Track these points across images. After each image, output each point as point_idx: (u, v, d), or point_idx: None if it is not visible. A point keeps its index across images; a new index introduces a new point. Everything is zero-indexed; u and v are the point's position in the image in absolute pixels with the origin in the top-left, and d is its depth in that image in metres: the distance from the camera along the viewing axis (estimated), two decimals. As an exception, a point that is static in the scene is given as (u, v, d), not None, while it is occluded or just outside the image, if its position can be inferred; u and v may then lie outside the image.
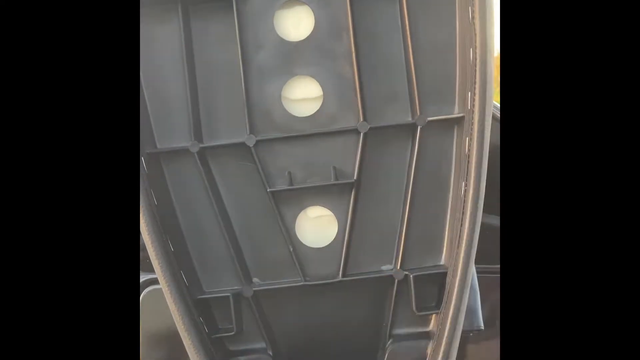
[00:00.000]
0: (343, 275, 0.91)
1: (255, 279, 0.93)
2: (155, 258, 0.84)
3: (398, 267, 0.91)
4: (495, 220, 0.98)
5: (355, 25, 0.87)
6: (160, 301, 0.86)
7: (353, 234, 0.92)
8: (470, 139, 0.81)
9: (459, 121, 0.87)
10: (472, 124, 0.80)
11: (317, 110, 0.89)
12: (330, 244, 0.92)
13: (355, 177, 0.89)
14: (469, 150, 0.82)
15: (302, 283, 0.91)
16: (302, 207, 0.92)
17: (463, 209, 0.82)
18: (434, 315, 0.92)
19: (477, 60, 0.79)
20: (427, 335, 0.92)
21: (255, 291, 0.92)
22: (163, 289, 0.85)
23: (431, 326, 0.93)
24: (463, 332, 0.84)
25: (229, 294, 0.91)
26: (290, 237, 0.92)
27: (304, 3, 0.88)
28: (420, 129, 0.87)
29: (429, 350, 0.91)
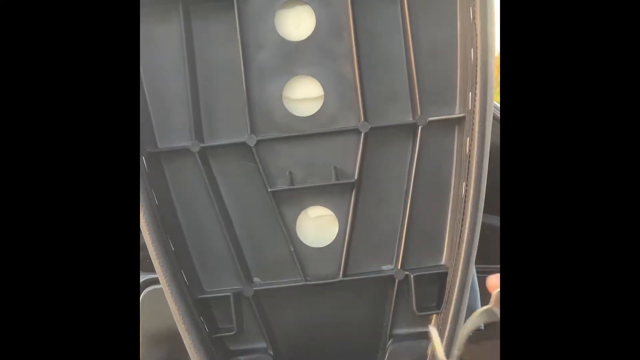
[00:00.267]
0: (344, 275, 0.92)
1: (255, 279, 0.93)
2: (155, 258, 0.84)
3: (399, 267, 0.91)
4: (496, 221, 0.98)
5: (356, 25, 0.87)
6: (160, 301, 0.86)
7: (354, 234, 0.92)
8: (471, 139, 0.81)
9: (459, 121, 0.87)
10: (473, 124, 0.80)
11: (318, 110, 0.89)
12: (330, 243, 0.92)
13: (356, 177, 0.89)
14: (469, 150, 0.82)
15: (302, 283, 0.91)
16: (303, 207, 0.92)
17: (464, 209, 0.83)
18: (434, 316, 0.92)
19: (478, 61, 0.79)
20: (427, 336, 0.92)
21: (255, 291, 0.92)
22: (163, 289, 0.85)
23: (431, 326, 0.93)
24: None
25: (229, 294, 0.91)
26: (290, 236, 0.92)
27: (304, 3, 0.88)
28: (421, 129, 0.87)
29: (429, 351, 0.91)
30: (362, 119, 0.88)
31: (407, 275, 0.90)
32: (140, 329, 0.99)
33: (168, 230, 0.87)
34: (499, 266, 0.54)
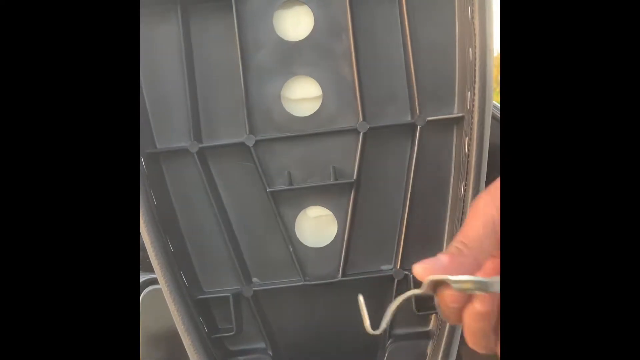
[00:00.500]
0: (343, 275, 0.92)
1: (254, 279, 0.93)
2: (154, 258, 0.84)
3: (398, 267, 0.91)
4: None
5: (354, 25, 0.87)
6: (160, 301, 0.86)
7: (353, 234, 0.92)
8: (470, 139, 0.81)
9: (458, 121, 0.87)
10: (472, 123, 0.80)
11: (317, 110, 0.89)
12: (329, 243, 0.92)
13: (354, 177, 0.89)
14: (468, 150, 0.82)
15: (301, 283, 0.91)
16: (302, 207, 0.92)
17: (463, 208, 0.83)
18: (433, 315, 0.92)
19: (477, 60, 0.79)
20: (427, 335, 0.93)
21: (254, 291, 0.92)
22: (162, 290, 0.85)
23: (431, 326, 0.93)
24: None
25: (228, 294, 0.91)
26: (289, 237, 0.92)
27: (303, 3, 0.88)
28: (420, 128, 0.87)
29: (428, 350, 0.91)
30: (361, 119, 0.88)
31: (406, 274, 0.90)
32: (140, 329, 0.99)
33: (167, 231, 0.87)
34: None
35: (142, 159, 0.86)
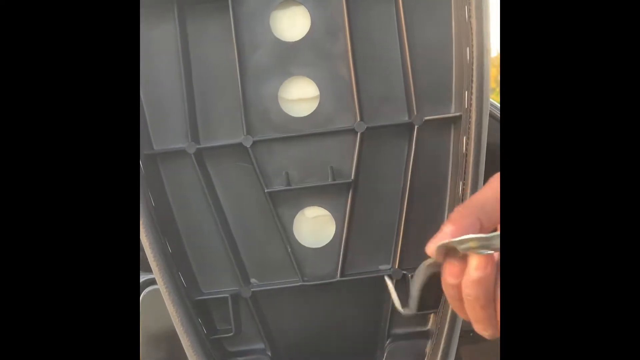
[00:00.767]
0: (341, 275, 0.91)
1: (253, 280, 0.93)
2: (153, 260, 0.84)
3: (396, 267, 0.91)
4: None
5: (351, 25, 0.87)
6: (160, 301, 0.86)
7: (351, 234, 0.92)
8: (468, 138, 0.81)
9: (455, 120, 0.87)
10: (470, 123, 0.80)
11: (314, 111, 0.89)
12: (328, 244, 0.92)
13: (352, 177, 0.89)
14: (466, 149, 0.82)
15: (300, 283, 0.91)
16: (300, 208, 0.92)
17: (461, 208, 0.83)
18: (432, 315, 0.92)
19: (474, 59, 0.79)
20: (425, 335, 0.93)
21: (253, 292, 0.92)
22: (161, 291, 0.85)
23: (430, 325, 0.93)
24: (463, 331, 0.84)
25: (227, 295, 0.91)
26: (287, 237, 0.92)
27: (299, 3, 0.88)
28: (417, 128, 0.87)
29: (427, 350, 0.91)
30: (358, 119, 0.87)
31: (404, 274, 0.90)
32: (140, 329, 0.99)
33: (165, 232, 0.87)
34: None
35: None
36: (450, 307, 0.83)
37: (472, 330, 0.59)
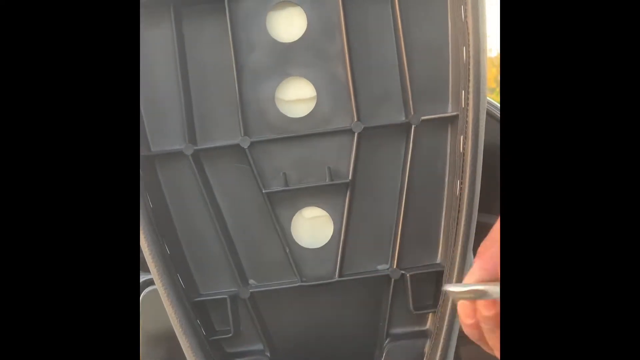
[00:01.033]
0: (339, 276, 0.92)
1: (251, 281, 0.93)
2: (151, 261, 0.84)
3: (394, 267, 0.91)
4: (495, 221, 0.98)
5: (347, 25, 0.87)
6: (159, 301, 0.86)
7: (349, 234, 0.92)
8: (465, 137, 0.81)
9: (452, 120, 0.87)
10: (467, 122, 0.81)
11: (311, 111, 0.89)
12: (326, 244, 0.92)
13: (350, 177, 0.89)
14: (463, 148, 0.82)
15: (298, 284, 0.91)
16: (298, 208, 0.92)
17: (459, 207, 0.83)
18: (431, 314, 0.92)
19: (470, 59, 0.79)
20: (424, 334, 0.93)
21: (251, 293, 0.92)
22: (160, 292, 0.85)
23: (428, 325, 0.93)
24: (462, 331, 0.84)
25: (225, 296, 0.90)
26: (286, 238, 0.92)
27: (296, 4, 0.88)
28: (415, 128, 0.87)
29: (426, 349, 0.91)
30: (356, 119, 0.88)
31: (403, 274, 0.90)
32: (140, 329, 0.99)
33: (163, 234, 0.87)
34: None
35: (137, 162, 0.85)
36: (449, 306, 0.83)
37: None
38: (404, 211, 0.90)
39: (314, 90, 0.89)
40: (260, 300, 0.93)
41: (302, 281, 0.91)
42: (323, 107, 0.89)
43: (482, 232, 0.81)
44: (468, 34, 0.79)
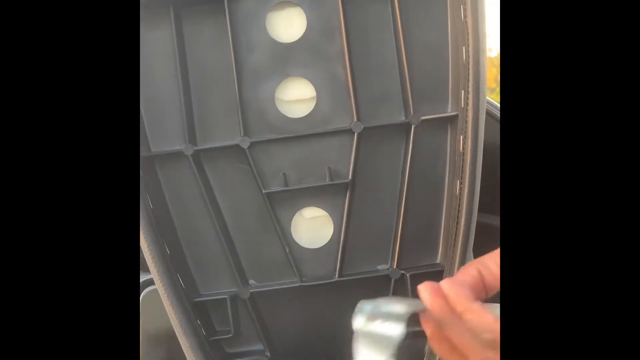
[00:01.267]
0: (339, 276, 0.92)
1: (251, 281, 0.93)
2: (152, 262, 0.84)
3: (394, 267, 0.91)
4: (495, 221, 0.98)
5: (347, 25, 0.87)
6: (159, 301, 0.86)
7: (349, 234, 0.92)
8: (465, 137, 0.81)
9: (452, 119, 0.87)
10: (467, 122, 0.81)
11: (311, 111, 0.89)
12: (326, 244, 0.93)
13: (350, 177, 0.89)
14: (463, 148, 0.82)
15: (298, 284, 0.91)
16: (298, 208, 0.92)
17: (458, 206, 0.83)
18: (430, 314, 0.92)
19: (470, 59, 0.79)
20: (424, 334, 0.92)
21: (251, 293, 0.92)
22: (160, 293, 0.85)
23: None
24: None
25: (226, 296, 0.90)
26: (286, 238, 0.92)
27: (295, 4, 0.88)
28: (414, 128, 0.87)
29: (426, 349, 0.91)
30: (355, 119, 0.88)
31: (402, 274, 0.90)
32: (140, 329, 0.99)
33: (163, 234, 0.87)
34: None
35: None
36: None
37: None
38: (403, 211, 0.90)
39: (314, 90, 0.89)
40: (260, 300, 0.93)
41: (302, 281, 0.91)
42: (323, 107, 0.89)
43: (482, 232, 0.81)
44: (467, 33, 0.79)
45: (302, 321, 0.94)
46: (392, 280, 0.91)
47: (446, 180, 0.89)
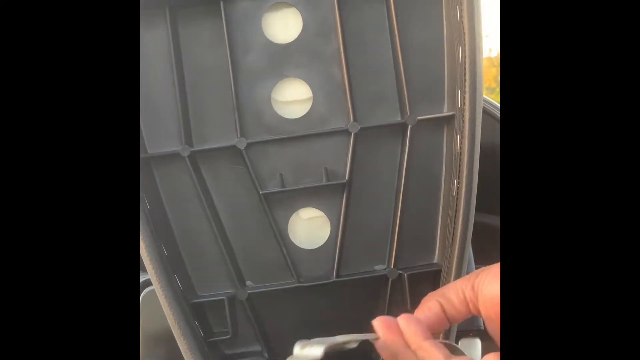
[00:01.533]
0: (337, 276, 0.92)
1: (249, 282, 0.93)
2: (149, 263, 0.83)
3: (392, 267, 0.91)
4: (495, 221, 0.98)
5: (343, 26, 0.87)
6: (159, 301, 0.86)
7: (346, 235, 0.92)
8: (462, 137, 0.81)
9: (449, 120, 0.87)
10: (463, 122, 0.81)
11: (307, 112, 0.89)
12: (323, 245, 0.92)
13: (346, 178, 0.89)
14: (460, 148, 0.82)
15: (296, 285, 0.91)
16: (295, 209, 0.92)
17: (456, 206, 0.83)
18: (428, 314, 0.92)
19: (467, 59, 0.79)
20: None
21: (249, 294, 0.92)
22: (158, 294, 0.85)
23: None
24: (463, 332, 0.84)
25: (223, 298, 0.90)
26: (283, 239, 0.92)
27: (291, 5, 0.88)
28: (411, 128, 0.87)
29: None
30: (352, 120, 0.88)
31: (400, 274, 0.90)
32: (140, 329, 0.99)
33: (161, 236, 0.87)
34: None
35: (134, 164, 0.85)
36: None
37: (472, 330, 0.60)
38: (401, 211, 0.90)
39: (310, 91, 0.89)
40: (257, 301, 0.93)
41: (299, 282, 0.91)
42: (319, 107, 0.89)
43: (481, 232, 0.82)
44: (464, 33, 0.79)
45: (299, 322, 0.94)
46: (390, 280, 0.91)
47: (443, 180, 0.89)
